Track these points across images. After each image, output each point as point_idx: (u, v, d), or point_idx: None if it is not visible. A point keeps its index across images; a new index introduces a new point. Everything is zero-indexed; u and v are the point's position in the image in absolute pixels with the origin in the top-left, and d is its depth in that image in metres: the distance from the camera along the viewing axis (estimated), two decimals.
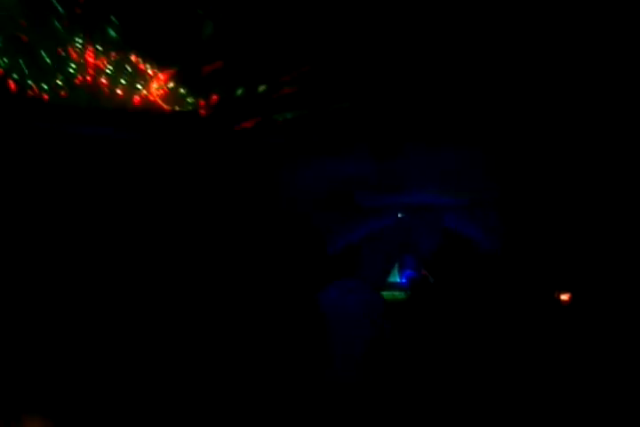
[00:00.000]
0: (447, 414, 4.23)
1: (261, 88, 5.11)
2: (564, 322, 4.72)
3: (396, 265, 5.31)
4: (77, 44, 4.87)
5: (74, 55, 4.86)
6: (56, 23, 4.81)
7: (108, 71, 4.94)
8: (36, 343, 4.31)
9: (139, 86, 5.00)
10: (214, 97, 5.13)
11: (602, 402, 4.09)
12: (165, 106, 5.07)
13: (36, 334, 4.37)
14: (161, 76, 5.05)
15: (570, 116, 4.98)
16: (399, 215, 5.44)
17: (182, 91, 5.11)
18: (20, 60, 4.78)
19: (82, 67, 4.88)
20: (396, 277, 5.28)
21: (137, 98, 4.98)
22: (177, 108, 5.11)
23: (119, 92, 4.97)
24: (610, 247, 4.92)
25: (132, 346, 4.50)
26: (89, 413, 3.93)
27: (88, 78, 4.90)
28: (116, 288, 4.69)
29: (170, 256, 4.95)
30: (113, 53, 4.95)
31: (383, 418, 4.19)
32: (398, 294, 5.11)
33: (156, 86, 5.04)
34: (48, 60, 4.82)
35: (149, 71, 5.02)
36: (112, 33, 4.90)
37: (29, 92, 4.82)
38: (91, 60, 4.90)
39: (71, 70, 4.86)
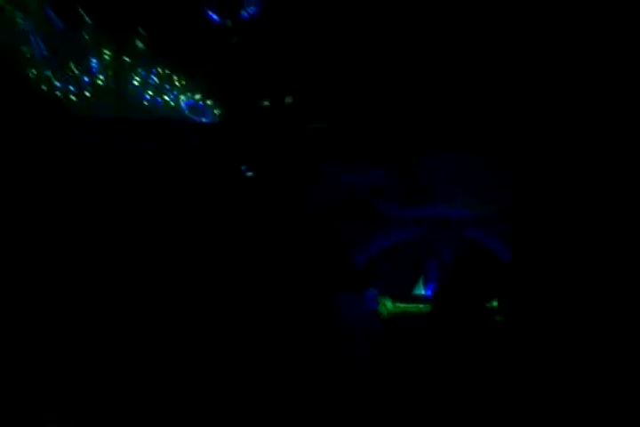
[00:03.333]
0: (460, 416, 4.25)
1: (288, 99, 5.11)
2: (584, 332, 4.73)
3: (421, 277, 5.31)
4: (105, 56, 4.88)
5: (102, 66, 4.87)
6: (84, 34, 4.83)
7: (135, 83, 4.95)
8: (38, 346, 4.34)
9: (166, 98, 5.02)
10: (241, 108, 5.14)
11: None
12: (192, 117, 5.09)
13: (37, 338, 4.39)
14: (188, 87, 5.06)
15: (592, 127, 4.98)
16: (421, 227, 5.44)
17: (209, 102, 5.12)
18: (49, 71, 4.80)
19: (109, 78, 4.90)
20: (421, 290, 5.28)
21: (164, 109, 5.00)
22: (203, 120, 5.13)
23: (146, 103, 4.98)
24: (634, 258, 4.91)
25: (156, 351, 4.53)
26: (91, 414, 3.96)
27: (116, 89, 4.91)
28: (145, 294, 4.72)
29: (190, 266, 4.96)
30: (140, 64, 4.95)
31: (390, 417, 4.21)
32: (423, 307, 5.11)
33: (184, 98, 5.06)
34: (76, 71, 4.83)
35: (177, 83, 5.03)
36: (140, 44, 4.90)
37: (57, 102, 4.83)
38: (118, 71, 4.91)
39: (99, 82, 4.88)
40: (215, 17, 4.87)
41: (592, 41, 4.74)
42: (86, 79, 4.86)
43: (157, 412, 4.13)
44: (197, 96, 5.10)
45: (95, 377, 4.31)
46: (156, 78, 4.98)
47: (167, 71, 5.01)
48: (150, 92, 4.99)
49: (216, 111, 5.12)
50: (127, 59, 4.93)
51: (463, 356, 4.72)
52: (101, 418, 4.03)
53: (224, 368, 4.49)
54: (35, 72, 4.75)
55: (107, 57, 4.90)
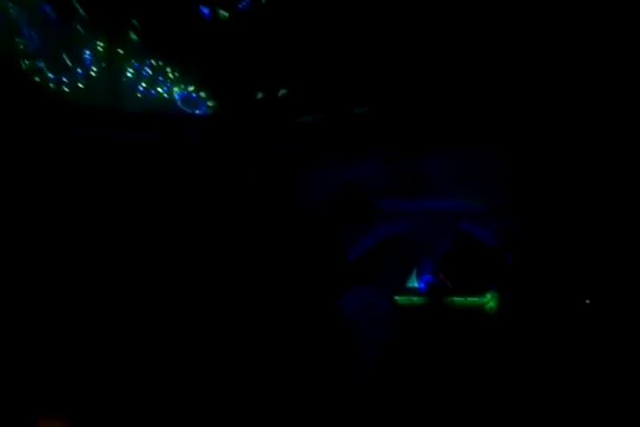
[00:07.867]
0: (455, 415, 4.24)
1: (281, 92, 5.11)
2: (584, 328, 4.71)
3: (415, 270, 5.29)
4: (99, 47, 4.89)
5: (95, 58, 4.88)
6: (78, 26, 4.83)
7: (128, 74, 4.96)
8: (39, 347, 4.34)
9: (159, 89, 5.02)
10: (234, 100, 5.14)
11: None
12: (186, 109, 5.09)
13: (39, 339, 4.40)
14: (181, 79, 5.06)
15: (589, 123, 4.97)
16: (416, 220, 5.42)
17: (202, 94, 5.12)
18: (42, 63, 4.81)
19: (103, 69, 4.90)
20: (414, 283, 5.26)
21: (157, 101, 5.00)
22: (197, 112, 5.13)
23: (139, 95, 4.99)
24: (628, 253, 4.90)
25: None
26: (91, 413, 3.96)
27: (109, 81, 4.92)
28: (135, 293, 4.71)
29: (184, 261, 4.95)
30: (134, 56, 4.96)
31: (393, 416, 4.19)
32: (416, 300, 5.10)
33: (177, 90, 5.06)
34: (69, 63, 4.84)
35: (170, 75, 5.04)
36: (133, 36, 4.91)
37: (51, 94, 4.84)
38: (112, 62, 4.92)
39: (92, 73, 4.88)
40: (208, 9, 4.88)
41: (585, 38, 4.75)
42: (80, 71, 4.88)
43: (155, 411, 4.12)
44: (191, 88, 5.10)
45: (95, 375, 4.31)
46: (149, 70, 4.99)
47: (160, 63, 5.02)
48: (144, 84, 5.00)
49: (209, 103, 5.12)
50: (120, 51, 4.94)
51: (458, 348, 4.72)
52: (99, 415, 4.03)
53: (224, 370, 4.49)
54: (28, 63, 4.76)
55: (100, 49, 4.91)
